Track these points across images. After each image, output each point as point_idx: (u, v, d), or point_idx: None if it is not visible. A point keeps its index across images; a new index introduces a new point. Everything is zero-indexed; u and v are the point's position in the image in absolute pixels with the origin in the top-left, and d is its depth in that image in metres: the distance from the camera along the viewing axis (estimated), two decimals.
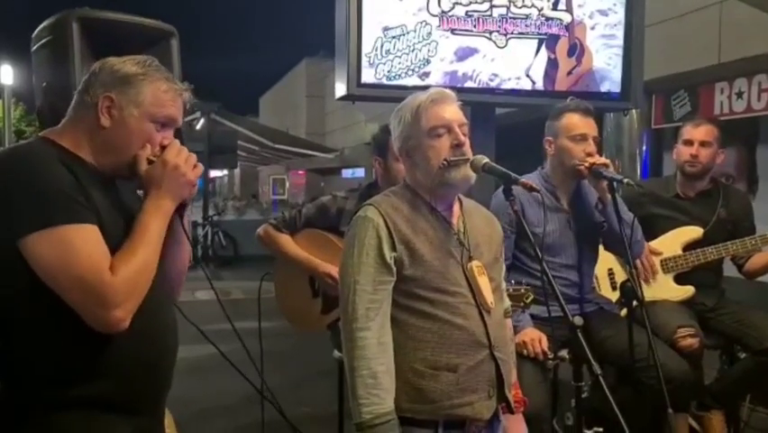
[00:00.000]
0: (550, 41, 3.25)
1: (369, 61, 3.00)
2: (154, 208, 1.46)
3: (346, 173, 24.65)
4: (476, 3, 3.11)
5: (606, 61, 3.35)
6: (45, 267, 1.31)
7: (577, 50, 3.29)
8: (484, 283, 1.91)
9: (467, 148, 1.91)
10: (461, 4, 3.09)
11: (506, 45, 3.18)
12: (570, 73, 3.30)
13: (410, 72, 3.06)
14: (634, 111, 7.30)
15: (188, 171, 1.51)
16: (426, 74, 3.09)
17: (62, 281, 1.31)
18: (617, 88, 3.38)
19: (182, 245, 1.64)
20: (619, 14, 3.34)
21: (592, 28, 3.31)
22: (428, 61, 3.08)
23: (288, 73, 29.17)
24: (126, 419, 1.45)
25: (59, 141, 1.47)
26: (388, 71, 3.03)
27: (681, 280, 2.96)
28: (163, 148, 1.51)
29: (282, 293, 2.89)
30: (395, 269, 1.84)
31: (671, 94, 7.19)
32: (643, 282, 3.01)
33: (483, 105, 3.26)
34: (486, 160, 1.89)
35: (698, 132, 2.96)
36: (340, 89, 3.06)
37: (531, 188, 1.79)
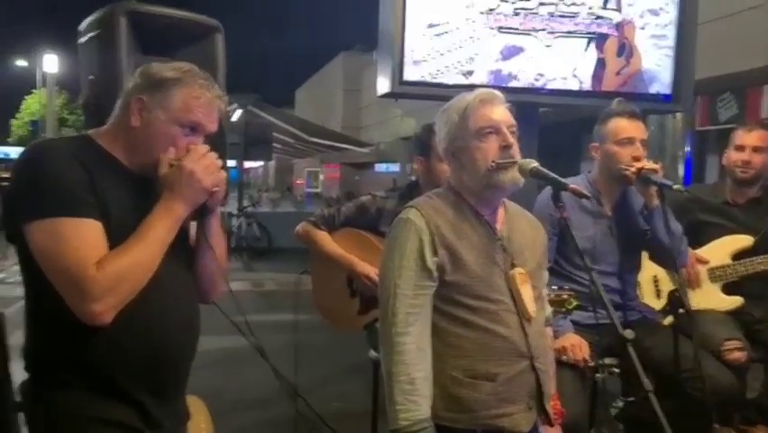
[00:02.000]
0: (599, 41, 3.17)
1: (412, 59, 2.96)
2: (163, 211, 1.50)
3: (380, 167, 24.65)
4: (524, 0, 3.04)
5: (656, 62, 3.26)
6: (38, 255, 1.39)
7: (626, 49, 3.21)
8: (526, 292, 1.86)
9: (515, 150, 1.86)
10: (507, 1, 3.03)
11: (552, 44, 3.11)
12: (618, 73, 3.22)
13: (454, 70, 3.02)
14: (678, 117, 7.20)
15: (204, 178, 1.53)
16: (470, 72, 3.04)
17: (50, 271, 1.39)
18: (666, 90, 3.29)
19: (211, 250, 1.66)
20: (671, 14, 3.24)
21: (642, 28, 3.22)
22: (473, 60, 3.03)
23: (325, 67, 29.26)
24: (132, 405, 1.49)
25: (97, 139, 1.55)
26: (432, 69, 2.99)
27: (728, 289, 2.87)
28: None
29: (319, 291, 2.88)
30: (436, 274, 1.80)
31: (716, 95, 7.02)
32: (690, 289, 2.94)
33: (527, 106, 3.20)
34: (534, 163, 1.84)
35: (750, 137, 2.86)
36: (383, 86, 3.02)
37: (581, 195, 1.74)
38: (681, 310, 2.21)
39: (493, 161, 1.83)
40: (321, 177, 28.07)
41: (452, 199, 1.91)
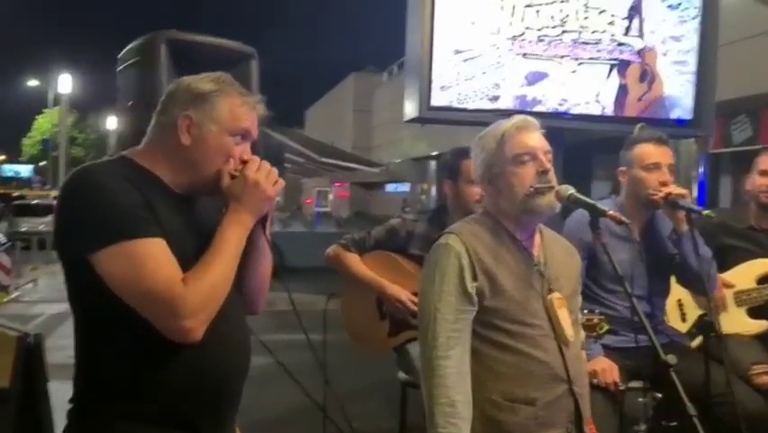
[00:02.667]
0: (621, 67, 3.22)
1: (440, 84, 3.02)
2: (234, 223, 1.48)
3: (390, 187, 24.72)
4: (548, 27, 3.10)
5: (678, 88, 3.31)
6: (115, 282, 1.35)
7: (648, 76, 3.26)
8: (564, 316, 1.89)
9: (552, 175, 1.90)
10: (532, 28, 3.09)
11: (576, 70, 3.16)
12: (640, 99, 3.27)
13: (480, 95, 3.07)
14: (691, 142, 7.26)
15: (269, 187, 1.52)
16: (496, 98, 3.09)
17: (132, 295, 1.36)
18: (687, 115, 3.33)
19: (264, 258, 1.67)
20: (692, 41, 3.30)
21: (664, 54, 3.27)
22: (498, 85, 3.08)
23: (336, 87, 29.46)
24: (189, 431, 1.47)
25: (137, 159, 1.50)
26: (459, 94, 3.04)
27: (754, 314, 2.88)
28: (243, 162, 1.52)
29: (349, 313, 2.91)
30: (476, 299, 1.84)
31: (731, 118, 7.05)
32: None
33: (552, 130, 3.24)
34: (572, 190, 1.88)
35: None
36: (410, 111, 3.08)
37: (620, 221, 1.77)
38: (711, 334, 2.23)
39: (531, 186, 1.87)
40: (330, 196, 28.24)
41: (489, 225, 1.94)
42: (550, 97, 3.14)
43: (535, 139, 1.93)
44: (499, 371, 1.82)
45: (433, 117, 3.01)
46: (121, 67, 2.54)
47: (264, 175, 1.52)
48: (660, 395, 2.20)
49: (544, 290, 1.90)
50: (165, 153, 1.49)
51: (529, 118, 1.98)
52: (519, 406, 1.80)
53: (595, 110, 3.20)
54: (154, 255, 1.37)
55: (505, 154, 1.91)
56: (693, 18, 3.26)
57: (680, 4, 3.25)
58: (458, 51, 3.02)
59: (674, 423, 2.05)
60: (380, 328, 2.81)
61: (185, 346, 1.41)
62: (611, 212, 1.79)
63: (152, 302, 1.36)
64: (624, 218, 1.78)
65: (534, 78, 3.12)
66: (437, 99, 3.02)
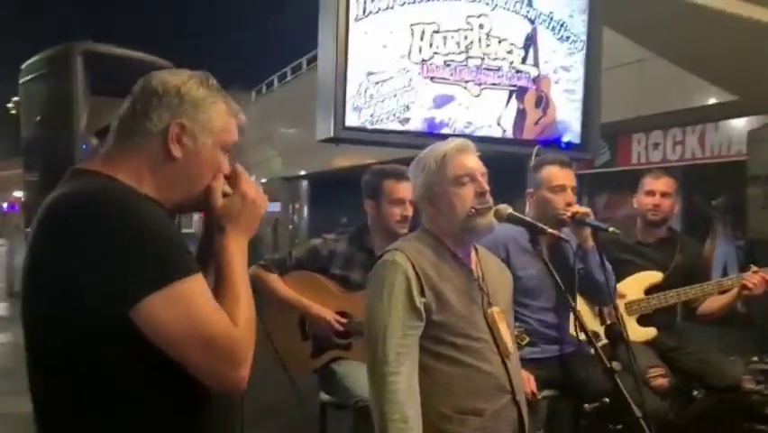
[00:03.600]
0: (519, 93, 3.42)
1: (353, 105, 3.05)
2: (236, 247, 1.30)
3: None
4: (453, 53, 3.24)
5: (567, 114, 3.56)
6: (166, 331, 1.14)
7: (543, 101, 3.48)
8: (504, 329, 1.98)
9: (489, 196, 1.99)
10: (439, 53, 3.21)
11: (480, 94, 3.32)
12: (536, 123, 3.48)
13: (392, 117, 3.14)
14: None
15: (262, 205, 1.39)
16: (407, 120, 3.17)
17: (188, 344, 1.15)
18: (576, 139, 3.60)
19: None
20: (579, 71, 3.57)
21: (556, 82, 3.51)
22: (408, 107, 3.17)
23: None
24: None
25: (121, 177, 1.25)
26: (371, 115, 3.10)
27: (643, 322, 3.15)
28: (227, 178, 1.38)
29: (270, 334, 2.85)
30: (424, 314, 1.88)
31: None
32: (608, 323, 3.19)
33: None
34: (510, 210, 1.98)
35: (659, 183, 3.19)
36: (323, 131, 3.09)
37: (559, 238, 1.89)
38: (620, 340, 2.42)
39: (473, 208, 1.95)
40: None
41: (431, 242, 2.00)
42: (456, 120, 3.27)
43: (474, 161, 2.02)
44: (448, 384, 1.87)
45: (348, 138, 3.03)
46: (26, 78, 2.36)
47: (256, 191, 1.38)
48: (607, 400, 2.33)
49: (485, 304, 1.98)
50: (150, 167, 1.28)
51: (467, 141, 2.07)
52: (468, 417, 1.86)
53: (497, 133, 3.38)
54: (206, 295, 1.19)
55: (446, 175, 1.98)
56: (580, 51, 3.54)
57: (569, 37, 3.51)
58: (370, 73, 3.08)
59: (619, 426, 2.18)
60: (303, 349, 2.78)
61: (204, 407, 1.24)
62: (551, 230, 1.91)
63: (211, 350, 1.16)
64: (563, 235, 1.90)
65: (442, 101, 3.24)
66: (351, 120, 3.05)
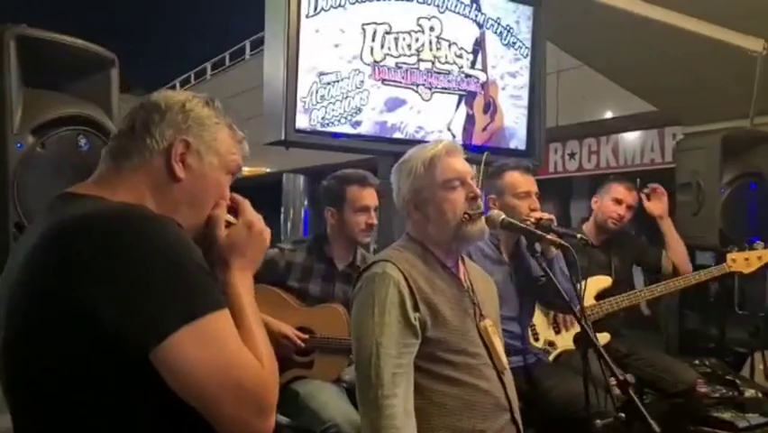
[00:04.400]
0: (468, 98, 3.36)
1: (303, 106, 2.88)
2: (244, 282, 1.20)
3: None
4: (405, 55, 3.13)
5: (514, 120, 3.53)
6: (196, 372, 0.99)
7: (491, 107, 3.44)
8: (498, 343, 1.88)
9: (480, 201, 1.88)
10: (391, 55, 3.09)
11: (431, 98, 3.23)
12: (485, 129, 3.43)
13: (343, 120, 2.99)
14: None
15: (268, 235, 1.29)
16: (358, 123, 3.03)
17: (217, 388, 1.01)
18: (522, 145, 3.57)
19: None
20: (525, 78, 3.55)
21: (503, 88, 3.48)
22: (360, 110, 3.03)
23: None
24: None
25: (115, 199, 1.11)
26: (322, 118, 2.93)
27: (595, 328, 3.14)
28: (230, 208, 1.26)
29: None
30: (419, 331, 1.74)
31: None
32: (563, 331, 3.17)
33: None
34: (503, 215, 1.88)
35: (630, 196, 3.24)
36: (272, 134, 2.89)
37: (561, 245, 1.80)
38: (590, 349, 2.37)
39: (466, 213, 1.83)
40: None
41: (419, 252, 1.86)
42: (408, 124, 3.16)
43: (463, 163, 1.90)
44: (445, 404, 1.74)
45: (299, 141, 2.85)
46: None
47: (260, 221, 1.27)
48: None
49: (477, 317, 1.87)
50: (152, 190, 1.15)
51: (455, 142, 1.95)
52: None
53: (447, 138, 3.28)
54: (235, 333, 1.05)
55: (434, 179, 1.86)
56: (525, 57, 3.52)
57: (515, 42, 3.48)
58: (322, 74, 2.91)
59: None
60: None
61: None
62: (550, 237, 1.82)
63: (241, 396, 1.02)
64: (563, 242, 1.82)
65: (394, 104, 3.12)
66: (301, 122, 2.87)
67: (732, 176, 3.79)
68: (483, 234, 1.87)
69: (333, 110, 2.95)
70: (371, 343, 1.70)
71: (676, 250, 3.29)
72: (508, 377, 1.87)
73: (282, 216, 14.60)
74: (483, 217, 1.86)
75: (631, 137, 6.52)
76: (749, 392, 3.21)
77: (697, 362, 3.46)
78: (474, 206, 1.85)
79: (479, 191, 1.87)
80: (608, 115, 5.96)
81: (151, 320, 0.98)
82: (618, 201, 3.25)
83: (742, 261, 3.08)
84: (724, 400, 3.08)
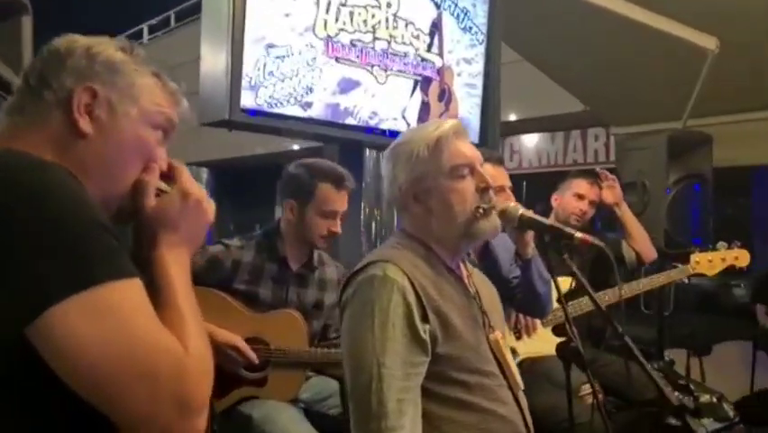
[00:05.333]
0: (424, 84, 3.09)
1: (249, 83, 2.50)
2: (175, 260, 0.97)
3: None
4: (360, 32, 2.82)
5: (468, 110, 3.30)
6: (86, 353, 0.79)
7: (446, 95, 3.18)
8: (511, 359, 1.61)
9: (493, 193, 1.61)
10: (346, 30, 2.77)
11: (386, 81, 2.93)
12: (439, 118, 3.17)
13: (292, 101, 2.63)
14: None
15: (210, 210, 1.05)
16: (309, 104, 2.69)
17: (117, 375, 0.81)
18: (476, 138, 3.33)
19: None
20: (480, 65, 3.32)
21: (459, 75, 3.24)
22: (311, 90, 2.68)
23: None
24: None
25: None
26: (270, 97, 2.57)
27: (556, 332, 2.95)
28: (163, 175, 1.03)
29: None
30: (430, 347, 1.44)
31: None
32: (525, 337, 2.96)
33: (353, 145, 2.97)
34: (522, 209, 1.62)
35: (593, 191, 3.05)
36: (213, 113, 2.49)
37: (593, 244, 1.56)
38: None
39: (479, 207, 1.55)
40: None
41: (421, 252, 1.56)
42: (362, 108, 2.85)
43: (471, 149, 1.62)
44: None
45: (244, 122, 2.47)
46: None
47: (201, 190, 1.05)
48: None
49: (487, 328, 1.59)
50: (53, 149, 0.95)
51: (462, 122, 1.67)
52: None
53: (402, 127, 3.01)
54: (147, 308, 0.85)
55: (441, 165, 1.56)
56: (481, 43, 3.30)
57: (471, 27, 3.25)
58: (271, 46, 2.55)
59: None
60: None
61: None
62: (582, 235, 1.57)
63: (155, 386, 0.82)
64: (597, 241, 1.57)
65: (347, 85, 2.80)
66: (247, 100, 2.50)
67: (677, 177, 3.75)
68: (497, 231, 1.59)
69: (282, 89, 2.60)
70: (371, 363, 1.38)
71: (637, 237, 3.15)
72: (523, 399, 1.61)
73: None
74: (496, 212, 1.59)
75: (554, 138, 6.51)
76: (704, 397, 3.12)
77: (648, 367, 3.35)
78: (486, 198, 1.57)
79: (491, 181, 1.59)
80: (556, 111, 5.80)
81: (28, 289, 0.79)
82: (580, 196, 3.07)
83: (705, 262, 2.98)
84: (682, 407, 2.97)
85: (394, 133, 2.97)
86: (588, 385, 2.64)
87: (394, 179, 1.61)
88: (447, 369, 1.46)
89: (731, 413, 3.20)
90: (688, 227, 3.76)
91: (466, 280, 1.63)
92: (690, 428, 2.97)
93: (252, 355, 2.09)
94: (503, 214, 1.62)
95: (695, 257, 3.00)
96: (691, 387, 3.18)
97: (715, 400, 3.17)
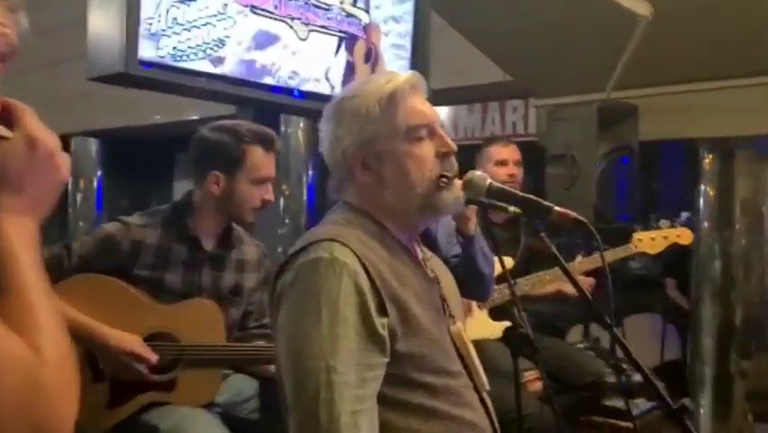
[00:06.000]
0: (349, 42, 2.78)
1: (149, 31, 2.12)
2: (23, 231, 0.76)
3: None
4: None
5: None
6: None
7: (372, 56, 2.89)
8: (475, 354, 1.37)
9: (455, 159, 1.35)
10: None
11: (307, 37, 2.60)
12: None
13: (201, 54, 2.27)
14: (300, 134, 7.26)
15: (64, 164, 0.81)
16: (221, 60, 2.33)
17: None
18: None
19: None
20: (408, 24, 3.04)
21: (386, 34, 2.94)
22: (223, 43, 2.32)
23: None
24: None
25: None
26: (174, 48, 2.19)
27: (494, 315, 2.77)
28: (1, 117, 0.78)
29: None
30: (389, 344, 1.17)
31: None
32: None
33: (270, 107, 2.63)
34: (489, 179, 1.37)
35: (508, 151, 2.86)
36: (102, 66, 2.09)
37: (575, 219, 1.33)
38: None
39: (443, 176, 1.29)
40: None
41: (372, 228, 1.28)
42: (281, 67, 2.51)
43: (430, 106, 1.36)
44: None
45: (142, 76, 2.09)
46: None
47: (52, 138, 0.81)
48: None
49: (449, 320, 1.34)
50: None
51: (418, 75, 1.39)
52: None
53: (325, 89, 2.70)
54: None
55: (395, 125, 1.28)
56: None
57: None
58: None
59: None
60: (95, 396, 1.81)
61: None
62: (559, 208, 1.34)
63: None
64: (577, 216, 1.34)
65: (265, 40, 2.45)
66: (146, 51, 2.11)
67: (607, 149, 3.64)
68: (459, 204, 1.34)
69: (188, 39, 2.22)
70: (319, 367, 1.10)
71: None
72: (489, 401, 1.37)
73: (71, 187, 12.81)
74: (460, 182, 1.33)
75: (472, 109, 6.34)
76: (636, 377, 3.03)
77: (581, 345, 3.24)
78: (448, 165, 1.31)
79: (453, 144, 1.33)
80: (476, 81, 5.56)
81: None
82: (503, 162, 2.89)
83: (648, 240, 2.86)
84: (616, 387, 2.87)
85: (317, 96, 2.67)
86: (530, 372, 2.48)
87: (336, 141, 1.32)
88: (409, 370, 1.20)
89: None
90: (616, 202, 3.67)
91: (423, 263, 1.37)
92: (628, 411, 2.88)
93: (153, 358, 1.75)
94: (468, 184, 1.37)
95: (637, 235, 2.89)
96: (624, 367, 3.08)
97: None
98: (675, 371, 4.40)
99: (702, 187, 4.25)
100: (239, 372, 2.06)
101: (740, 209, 4.10)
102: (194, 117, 7.50)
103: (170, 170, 12.76)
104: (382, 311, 1.16)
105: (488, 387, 1.37)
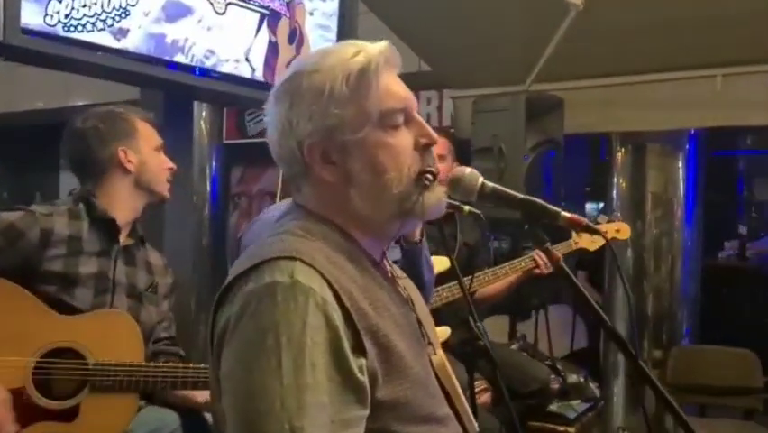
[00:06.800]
0: (271, 20, 2.49)
1: None
2: None
3: None
4: None
5: None
6: None
7: (296, 36, 2.61)
8: (460, 389, 1.15)
9: (434, 153, 1.11)
10: None
11: (225, 11, 2.29)
12: (288, 64, 2.58)
13: (100, 24, 1.91)
14: (203, 124, 6.87)
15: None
16: (124, 32, 1.98)
17: None
18: None
19: None
20: (335, 3, 2.78)
21: (311, 13, 2.67)
22: (127, 12, 1.98)
23: None
24: None
25: None
26: (66, 16, 1.83)
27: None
28: None
29: None
30: (369, 392, 0.92)
31: (244, 109, 6.92)
32: None
33: (183, 89, 2.31)
34: (482, 178, 1.13)
35: (438, 144, 2.64)
36: None
37: (587, 227, 1.12)
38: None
39: (426, 172, 1.04)
40: None
41: (336, 239, 1.02)
42: (195, 44, 2.19)
43: (405, 86, 1.11)
44: None
45: (25, 47, 1.72)
46: None
47: None
48: None
49: (428, 349, 1.11)
50: None
51: (392, 47, 1.13)
52: None
53: (245, 72, 2.40)
54: None
55: (365, 108, 1.02)
56: None
57: None
58: None
59: None
60: None
61: None
62: (569, 215, 1.12)
63: None
64: (589, 223, 1.13)
65: (176, 12, 2.13)
66: (30, 17, 1.75)
67: (534, 142, 3.52)
68: (441, 208, 1.09)
69: (84, 6, 1.86)
70: (281, 430, 0.82)
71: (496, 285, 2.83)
72: None
73: None
74: (441, 182, 1.09)
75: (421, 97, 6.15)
76: (571, 378, 2.94)
77: (514, 347, 3.10)
78: (430, 159, 1.07)
79: (435, 135, 1.09)
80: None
81: None
82: (440, 157, 2.68)
83: (587, 237, 2.74)
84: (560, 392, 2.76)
85: (236, 80, 2.36)
86: (478, 382, 2.30)
87: (289, 127, 1.04)
88: (391, 422, 0.95)
89: (597, 392, 3.07)
90: (543, 196, 3.56)
91: (395, 280, 1.12)
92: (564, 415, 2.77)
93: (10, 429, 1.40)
94: (455, 184, 1.13)
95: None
96: (559, 368, 2.98)
97: (581, 380, 3.01)
98: (585, 358, 4.42)
99: (615, 179, 4.27)
100: (152, 403, 1.72)
101: (651, 201, 4.14)
102: (83, 103, 6.88)
103: (55, 160, 11.85)
104: (359, 350, 0.90)
105: (477, 429, 1.14)
